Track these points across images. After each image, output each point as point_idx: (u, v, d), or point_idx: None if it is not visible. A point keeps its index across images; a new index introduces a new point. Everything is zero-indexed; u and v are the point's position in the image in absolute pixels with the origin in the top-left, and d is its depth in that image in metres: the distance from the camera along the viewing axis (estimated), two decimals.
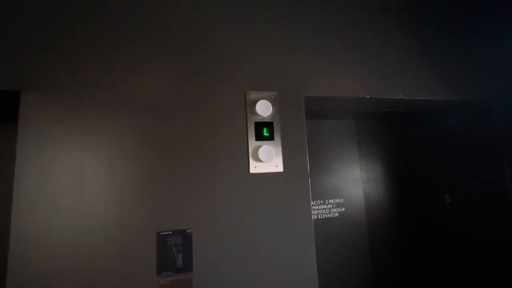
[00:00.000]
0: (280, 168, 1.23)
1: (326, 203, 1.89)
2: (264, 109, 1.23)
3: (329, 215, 1.88)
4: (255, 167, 1.20)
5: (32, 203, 0.98)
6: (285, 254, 1.18)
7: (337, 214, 1.90)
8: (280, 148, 1.25)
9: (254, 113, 1.24)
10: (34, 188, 0.99)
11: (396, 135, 2.10)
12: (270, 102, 1.25)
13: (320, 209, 1.87)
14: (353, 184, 1.98)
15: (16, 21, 1.06)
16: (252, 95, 1.25)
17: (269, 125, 1.25)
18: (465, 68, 1.56)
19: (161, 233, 1.08)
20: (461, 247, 1.75)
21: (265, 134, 1.24)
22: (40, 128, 1.02)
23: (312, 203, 1.26)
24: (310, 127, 1.74)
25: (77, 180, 1.03)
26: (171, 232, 1.09)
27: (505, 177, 1.50)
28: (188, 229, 1.10)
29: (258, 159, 1.20)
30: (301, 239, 1.21)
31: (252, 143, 1.22)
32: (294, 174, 1.25)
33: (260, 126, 1.24)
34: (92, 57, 1.11)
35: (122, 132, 1.10)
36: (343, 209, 1.92)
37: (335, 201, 1.91)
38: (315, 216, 1.85)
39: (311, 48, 1.37)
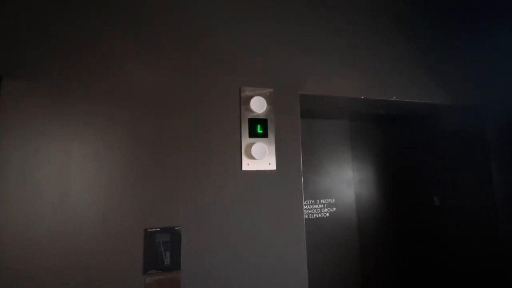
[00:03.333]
0: (273, 166, 1.22)
1: (318, 202, 1.89)
2: (258, 105, 1.21)
3: (320, 215, 1.88)
4: (247, 165, 1.18)
5: (12, 197, 0.93)
6: (275, 252, 1.17)
7: (328, 214, 1.90)
8: (273, 146, 1.23)
9: (249, 109, 1.21)
10: (14, 181, 0.94)
11: (388, 137, 2.12)
12: (265, 99, 1.23)
13: (311, 209, 1.87)
14: (345, 184, 1.98)
15: None
16: (247, 92, 1.23)
17: (263, 122, 1.23)
18: (458, 72, 1.58)
19: (148, 230, 1.04)
20: (449, 248, 1.78)
21: (259, 131, 1.22)
22: (22, 117, 0.97)
23: (303, 202, 1.25)
24: (304, 126, 1.73)
25: (61, 174, 0.98)
26: (159, 229, 1.05)
27: (493, 180, 1.53)
28: (177, 226, 1.07)
29: (251, 156, 1.18)
30: (292, 238, 1.20)
31: (246, 140, 1.20)
32: (287, 172, 1.23)
33: (254, 123, 1.22)
34: (83, 45, 1.06)
35: (111, 126, 1.05)
36: (334, 209, 1.92)
37: (326, 201, 1.91)
38: (306, 216, 1.84)
39: (308, 46, 1.35)
